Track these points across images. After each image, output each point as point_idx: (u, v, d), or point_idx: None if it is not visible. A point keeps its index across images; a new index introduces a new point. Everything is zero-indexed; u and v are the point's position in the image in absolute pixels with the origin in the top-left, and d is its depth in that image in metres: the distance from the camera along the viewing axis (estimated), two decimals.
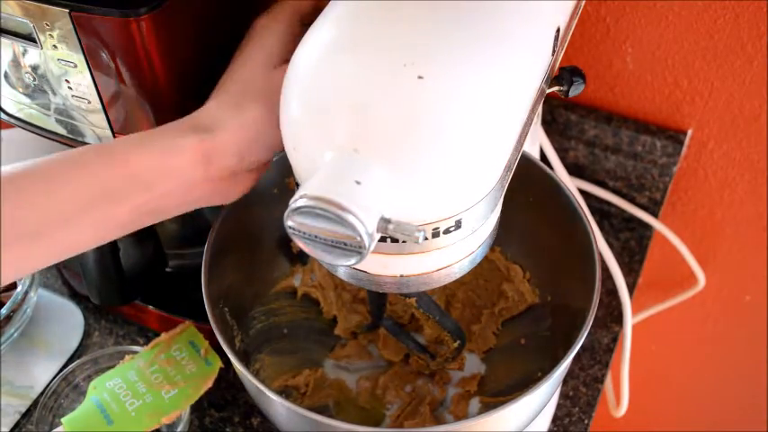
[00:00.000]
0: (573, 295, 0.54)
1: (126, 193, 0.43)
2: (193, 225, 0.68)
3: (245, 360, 0.58)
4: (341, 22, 0.39)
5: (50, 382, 0.64)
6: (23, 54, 0.48)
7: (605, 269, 0.72)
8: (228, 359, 0.48)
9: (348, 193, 0.34)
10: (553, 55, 0.45)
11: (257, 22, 0.49)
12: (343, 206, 0.34)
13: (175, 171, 0.44)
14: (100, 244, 0.44)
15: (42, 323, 0.70)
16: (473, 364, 0.63)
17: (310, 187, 0.34)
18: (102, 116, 0.49)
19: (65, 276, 0.73)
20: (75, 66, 0.47)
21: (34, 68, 0.48)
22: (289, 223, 0.36)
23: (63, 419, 0.57)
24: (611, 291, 0.73)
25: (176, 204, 0.45)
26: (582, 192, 0.79)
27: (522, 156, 0.46)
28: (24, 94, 0.51)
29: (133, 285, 0.60)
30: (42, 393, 0.64)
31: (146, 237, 0.59)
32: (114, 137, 0.50)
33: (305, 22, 0.49)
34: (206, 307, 0.49)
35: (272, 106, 0.44)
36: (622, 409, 0.77)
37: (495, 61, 0.38)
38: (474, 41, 0.37)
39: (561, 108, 0.77)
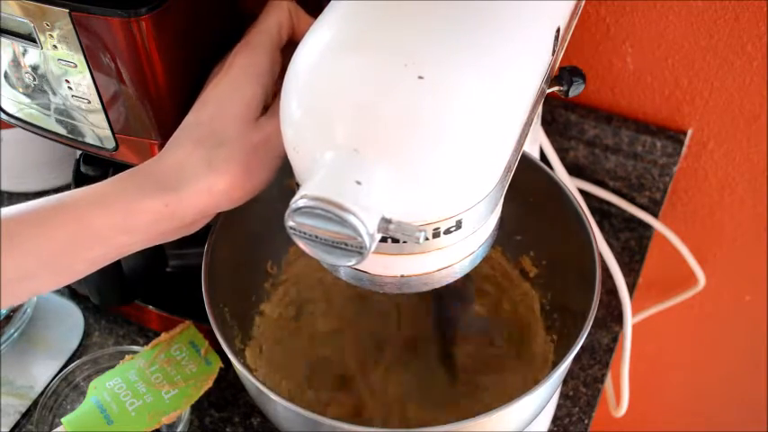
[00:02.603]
0: (573, 295, 0.54)
1: (85, 249, 0.43)
2: None
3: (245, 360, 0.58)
4: (341, 21, 0.39)
5: (50, 382, 0.64)
6: (23, 54, 0.48)
7: (605, 269, 0.72)
8: (228, 359, 0.48)
9: (349, 193, 0.34)
10: (553, 55, 0.45)
11: (236, 61, 0.47)
12: (343, 206, 0.34)
13: (136, 229, 0.44)
14: (56, 288, 0.46)
15: (42, 323, 0.70)
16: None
17: (311, 188, 0.34)
18: (102, 116, 0.49)
19: None
20: (75, 66, 0.47)
21: (34, 68, 0.48)
22: (289, 223, 0.36)
23: (63, 419, 0.57)
24: (611, 291, 0.73)
25: (134, 249, 0.46)
26: (582, 192, 0.79)
27: (522, 156, 0.46)
28: (24, 94, 0.51)
29: (133, 285, 0.60)
30: (42, 393, 0.64)
31: None
32: (114, 137, 0.50)
33: (285, 49, 0.48)
34: (206, 307, 0.49)
35: (246, 169, 0.44)
36: (622, 409, 0.77)
37: (495, 61, 0.38)
38: (474, 41, 0.37)
39: (561, 108, 0.77)
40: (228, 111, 0.45)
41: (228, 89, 0.46)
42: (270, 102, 0.48)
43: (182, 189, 0.44)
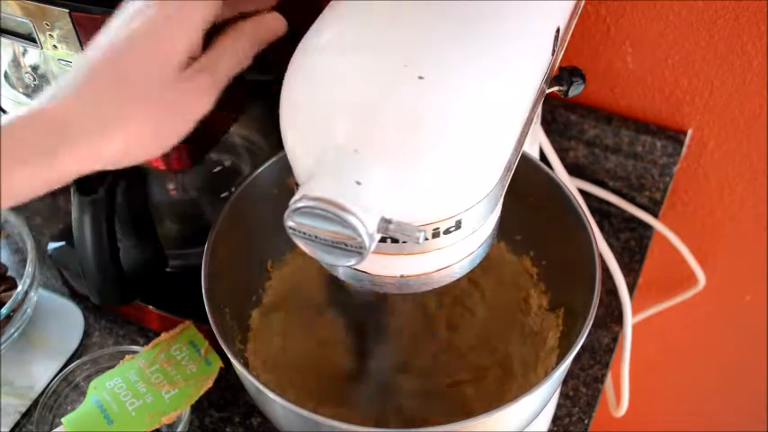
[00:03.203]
0: (573, 295, 0.54)
1: None
2: (193, 225, 0.68)
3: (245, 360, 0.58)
4: (341, 22, 0.39)
5: (50, 382, 0.64)
6: (23, 54, 0.48)
7: (605, 269, 0.72)
8: (228, 359, 0.48)
9: (348, 193, 0.34)
10: (553, 55, 0.45)
11: (157, 4, 0.38)
12: (343, 207, 0.34)
13: (11, 196, 0.37)
14: None
15: (42, 323, 0.70)
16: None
17: (311, 188, 0.34)
18: None
19: (65, 276, 0.73)
20: None
21: (34, 68, 0.48)
22: (289, 224, 0.36)
23: (63, 419, 0.57)
24: (611, 291, 0.73)
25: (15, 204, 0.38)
26: (582, 192, 0.79)
27: (522, 156, 0.46)
28: (24, 94, 0.51)
29: (133, 285, 0.60)
30: (42, 393, 0.64)
31: (146, 237, 0.59)
32: None
33: None
34: (206, 307, 0.49)
35: (149, 130, 0.39)
36: (622, 409, 0.77)
37: (495, 61, 0.38)
38: (474, 41, 0.38)
39: (561, 108, 0.77)
40: (143, 62, 0.38)
41: (146, 37, 0.38)
42: (198, 53, 0.41)
43: (63, 152, 0.37)
